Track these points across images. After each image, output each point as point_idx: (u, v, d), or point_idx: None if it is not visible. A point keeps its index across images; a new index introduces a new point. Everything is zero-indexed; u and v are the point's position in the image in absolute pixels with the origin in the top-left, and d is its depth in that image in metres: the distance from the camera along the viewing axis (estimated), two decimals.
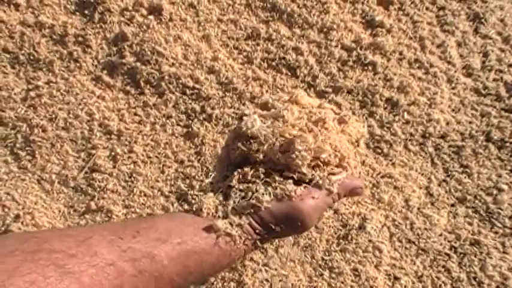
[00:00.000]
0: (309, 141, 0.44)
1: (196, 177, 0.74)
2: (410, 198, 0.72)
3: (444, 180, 0.74)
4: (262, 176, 0.44)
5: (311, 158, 0.45)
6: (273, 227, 0.42)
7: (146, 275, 0.34)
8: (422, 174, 0.74)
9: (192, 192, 0.73)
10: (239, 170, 0.44)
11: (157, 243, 0.36)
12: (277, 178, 0.44)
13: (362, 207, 0.71)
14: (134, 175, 0.73)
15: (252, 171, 0.44)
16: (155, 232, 0.37)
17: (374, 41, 0.79)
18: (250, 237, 0.42)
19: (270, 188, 0.43)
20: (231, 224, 0.41)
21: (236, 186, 0.43)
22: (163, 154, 0.75)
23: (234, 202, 0.42)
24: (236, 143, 0.46)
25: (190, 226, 0.40)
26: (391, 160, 0.74)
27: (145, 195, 0.73)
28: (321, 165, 0.45)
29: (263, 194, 0.42)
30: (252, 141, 0.45)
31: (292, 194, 0.42)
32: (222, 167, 0.48)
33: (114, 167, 0.75)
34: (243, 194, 0.43)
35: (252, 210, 0.42)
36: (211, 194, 0.44)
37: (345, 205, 0.72)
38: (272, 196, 0.43)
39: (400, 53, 0.79)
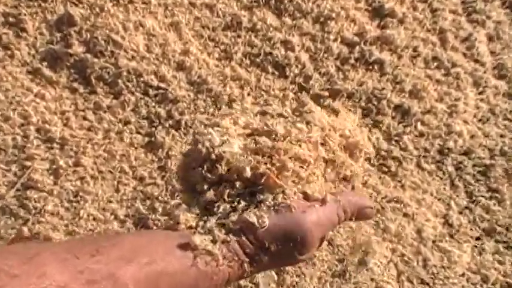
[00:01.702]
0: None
1: (160, 197, 0.74)
2: (424, 229, 0.73)
3: (467, 207, 0.74)
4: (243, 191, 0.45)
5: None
6: (268, 244, 0.42)
7: None
8: (439, 199, 0.75)
9: (153, 216, 0.73)
10: (213, 190, 0.45)
11: (121, 263, 0.36)
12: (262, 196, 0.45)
13: (363, 239, 0.72)
14: (81, 194, 0.74)
15: (228, 190, 0.45)
16: (119, 250, 0.38)
17: (382, 34, 0.80)
18: (236, 258, 0.42)
19: (266, 196, 0.44)
20: (212, 241, 0.41)
21: (219, 202, 0.44)
22: (119, 168, 0.76)
23: (221, 215, 0.43)
24: (198, 172, 0.47)
25: (161, 244, 0.40)
26: (400, 181, 0.75)
27: (94, 219, 0.73)
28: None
29: (259, 205, 0.43)
30: (217, 164, 0.46)
31: (293, 204, 0.43)
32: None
33: (55, 183, 0.75)
34: (229, 206, 0.44)
35: (244, 225, 0.43)
36: (184, 207, 0.45)
37: (341, 235, 0.73)
38: (267, 208, 0.44)
39: (415, 49, 0.80)
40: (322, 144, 0.49)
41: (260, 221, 0.42)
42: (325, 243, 0.72)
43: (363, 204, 0.49)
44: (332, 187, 0.49)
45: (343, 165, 0.50)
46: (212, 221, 0.42)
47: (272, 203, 0.43)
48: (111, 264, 0.36)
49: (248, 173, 0.44)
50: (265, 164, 0.45)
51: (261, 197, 0.44)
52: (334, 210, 0.46)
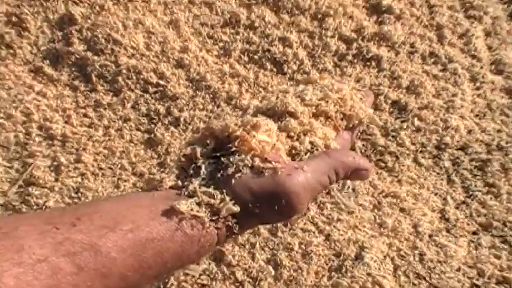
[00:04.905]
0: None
1: (157, 184, 0.74)
2: (421, 224, 0.73)
3: (464, 202, 0.74)
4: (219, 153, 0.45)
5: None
6: (251, 206, 0.41)
7: (90, 272, 0.34)
8: (436, 194, 0.75)
9: None
10: (184, 151, 0.46)
11: (102, 232, 0.35)
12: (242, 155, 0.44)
13: (360, 233, 0.72)
14: (82, 190, 0.74)
15: (200, 149, 0.45)
16: (100, 218, 0.36)
17: (379, 31, 0.83)
18: (223, 220, 0.41)
19: (247, 159, 0.43)
20: (198, 204, 0.40)
21: (202, 160, 0.44)
22: (119, 165, 0.76)
23: (204, 174, 0.43)
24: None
25: (145, 208, 0.39)
26: (396, 176, 0.76)
27: None
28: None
29: (241, 164, 0.42)
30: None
31: (278, 166, 0.42)
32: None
33: (56, 179, 0.75)
34: (213, 166, 0.43)
35: (227, 182, 0.42)
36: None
37: (338, 230, 0.72)
38: (250, 168, 0.43)
39: (412, 45, 0.82)
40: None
41: (238, 171, 0.42)
42: (322, 237, 0.71)
43: (357, 166, 0.47)
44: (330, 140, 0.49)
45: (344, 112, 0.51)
46: (195, 183, 0.42)
47: (251, 162, 0.43)
48: (93, 233, 0.35)
49: (219, 132, 0.45)
50: (240, 127, 0.44)
51: (237, 157, 0.43)
52: (325, 171, 0.45)
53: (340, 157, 0.46)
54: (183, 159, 0.45)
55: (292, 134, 0.48)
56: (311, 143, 0.48)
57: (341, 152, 0.48)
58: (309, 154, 0.47)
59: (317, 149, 0.48)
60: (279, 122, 0.48)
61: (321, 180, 0.44)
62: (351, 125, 0.52)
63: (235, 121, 0.45)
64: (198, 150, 0.44)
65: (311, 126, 0.49)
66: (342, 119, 0.51)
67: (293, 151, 0.47)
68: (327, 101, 0.50)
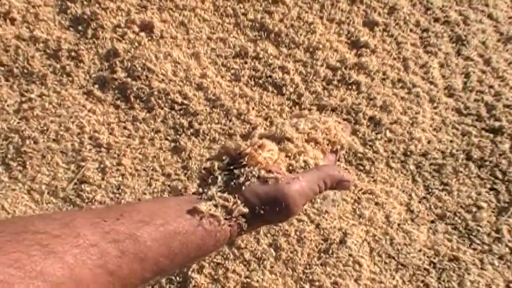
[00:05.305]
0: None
1: (183, 190, 0.78)
2: (391, 215, 0.76)
3: (424, 197, 0.78)
4: (232, 166, 0.47)
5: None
6: (258, 208, 0.44)
7: (130, 256, 0.36)
8: (403, 191, 0.79)
9: None
10: (205, 165, 0.49)
11: (140, 225, 0.38)
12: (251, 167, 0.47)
13: (343, 222, 0.75)
14: (122, 187, 0.79)
15: (217, 163, 0.48)
16: (138, 214, 0.39)
17: (358, 61, 0.86)
18: (235, 219, 0.44)
19: (255, 170, 0.46)
20: (215, 206, 0.43)
21: (218, 172, 0.46)
22: (151, 167, 0.80)
23: (220, 182, 0.45)
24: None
25: (173, 208, 0.42)
26: (372, 177, 0.80)
27: None
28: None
29: (250, 175, 0.45)
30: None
31: (279, 177, 0.45)
32: None
33: (102, 179, 0.79)
34: (227, 176, 0.46)
35: (238, 189, 0.45)
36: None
37: (326, 220, 0.76)
38: (257, 178, 0.45)
39: (384, 73, 0.86)
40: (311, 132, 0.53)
41: (247, 180, 0.45)
42: (313, 226, 0.74)
43: (341, 178, 0.49)
44: (319, 159, 0.51)
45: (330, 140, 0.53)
46: (213, 190, 0.44)
47: (258, 173, 0.45)
48: (133, 225, 0.38)
49: (233, 150, 0.48)
50: (249, 146, 0.47)
51: (247, 169, 0.46)
52: (316, 181, 0.48)
53: (328, 171, 0.49)
54: (203, 171, 0.48)
55: (289, 154, 0.51)
56: (304, 161, 0.51)
57: (329, 167, 0.51)
58: (302, 170, 0.50)
59: (309, 167, 0.51)
60: (279, 145, 0.51)
61: (313, 189, 0.48)
62: (334, 149, 0.55)
63: (245, 142, 0.48)
64: (216, 164, 0.47)
65: (304, 148, 0.51)
66: (327, 144, 0.54)
67: (290, 167, 0.50)
68: (316, 130, 0.53)
